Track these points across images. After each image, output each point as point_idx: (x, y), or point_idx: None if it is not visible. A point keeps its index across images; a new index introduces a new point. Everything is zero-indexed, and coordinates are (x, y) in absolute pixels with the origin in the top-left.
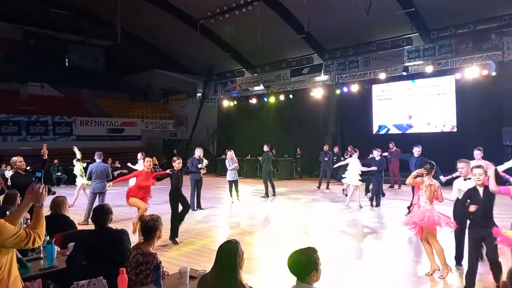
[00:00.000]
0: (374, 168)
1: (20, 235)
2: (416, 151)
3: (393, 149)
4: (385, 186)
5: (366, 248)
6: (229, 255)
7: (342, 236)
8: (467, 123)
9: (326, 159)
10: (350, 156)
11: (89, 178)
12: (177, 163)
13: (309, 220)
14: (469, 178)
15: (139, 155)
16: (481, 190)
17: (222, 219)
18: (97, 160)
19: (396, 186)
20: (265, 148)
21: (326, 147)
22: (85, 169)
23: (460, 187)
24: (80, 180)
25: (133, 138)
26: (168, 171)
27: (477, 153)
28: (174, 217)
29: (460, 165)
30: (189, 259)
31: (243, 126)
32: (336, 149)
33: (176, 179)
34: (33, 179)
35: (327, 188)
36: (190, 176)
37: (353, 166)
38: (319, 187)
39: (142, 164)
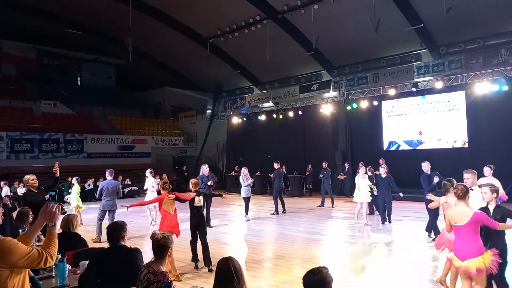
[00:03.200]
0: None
1: (33, 255)
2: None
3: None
4: None
5: (378, 266)
6: (227, 271)
7: (353, 254)
8: (478, 139)
9: (321, 176)
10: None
11: (100, 195)
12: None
13: (319, 237)
14: (472, 189)
15: (148, 172)
16: (491, 208)
17: (233, 236)
18: (108, 178)
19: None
20: (276, 165)
21: (324, 164)
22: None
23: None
24: (75, 202)
25: (144, 155)
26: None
27: (487, 170)
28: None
29: (466, 175)
30: (199, 277)
31: (253, 143)
32: (346, 165)
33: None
34: (47, 197)
35: (332, 205)
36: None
37: (361, 183)
38: (322, 205)
39: (153, 181)
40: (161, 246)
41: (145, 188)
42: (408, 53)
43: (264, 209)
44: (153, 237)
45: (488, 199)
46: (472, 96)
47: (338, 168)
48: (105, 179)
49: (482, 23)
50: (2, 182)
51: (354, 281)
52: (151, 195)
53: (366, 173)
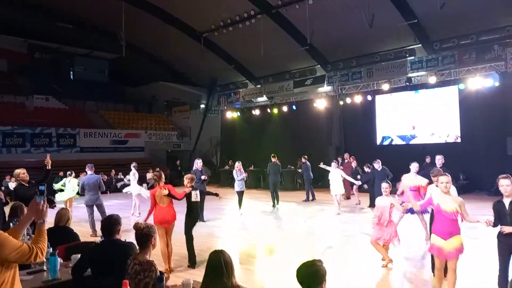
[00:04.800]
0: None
1: (23, 249)
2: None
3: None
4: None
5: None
6: (218, 264)
7: (347, 247)
8: (471, 134)
9: (299, 170)
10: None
11: (82, 191)
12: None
13: (313, 230)
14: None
15: (132, 166)
16: (507, 202)
17: (226, 231)
18: (89, 173)
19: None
20: (303, 160)
21: (303, 159)
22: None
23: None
24: (71, 194)
25: (137, 149)
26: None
27: (439, 159)
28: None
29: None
30: (192, 270)
31: (247, 137)
32: (340, 160)
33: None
34: (36, 191)
35: (312, 199)
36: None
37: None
38: (307, 199)
39: (135, 175)
40: (144, 235)
41: (127, 179)
42: (402, 48)
43: (257, 203)
44: (136, 226)
45: (510, 192)
46: (465, 91)
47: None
48: (87, 174)
49: (475, 19)
50: None
51: (348, 274)
52: (134, 186)
53: (338, 167)
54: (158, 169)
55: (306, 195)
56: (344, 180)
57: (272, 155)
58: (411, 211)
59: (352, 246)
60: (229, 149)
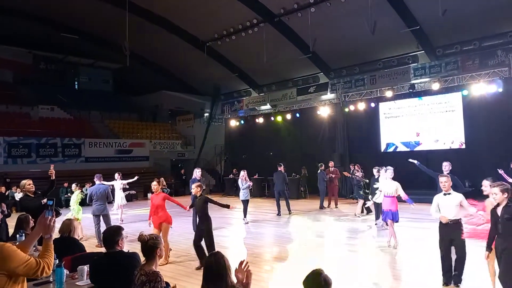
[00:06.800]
0: None
1: (30, 263)
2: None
3: (332, 168)
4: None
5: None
6: (216, 267)
7: (352, 256)
8: (476, 140)
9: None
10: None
11: (90, 201)
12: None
13: (318, 240)
14: (449, 194)
15: (116, 175)
16: (499, 207)
17: (232, 239)
18: (97, 182)
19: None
20: (279, 168)
21: (281, 168)
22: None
23: (439, 201)
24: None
25: (141, 159)
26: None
27: (445, 165)
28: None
29: (442, 179)
30: (199, 279)
31: (251, 146)
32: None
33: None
34: (43, 202)
35: (325, 207)
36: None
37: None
38: (322, 207)
39: (119, 182)
40: (149, 247)
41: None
42: (404, 55)
43: (262, 212)
44: (140, 238)
45: (499, 200)
46: (469, 97)
47: (341, 170)
48: (93, 184)
49: (478, 25)
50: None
51: (353, 283)
52: (119, 195)
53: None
54: (162, 179)
55: (320, 203)
56: (334, 187)
57: (279, 164)
58: None
59: (361, 256)
60: (233, 158)
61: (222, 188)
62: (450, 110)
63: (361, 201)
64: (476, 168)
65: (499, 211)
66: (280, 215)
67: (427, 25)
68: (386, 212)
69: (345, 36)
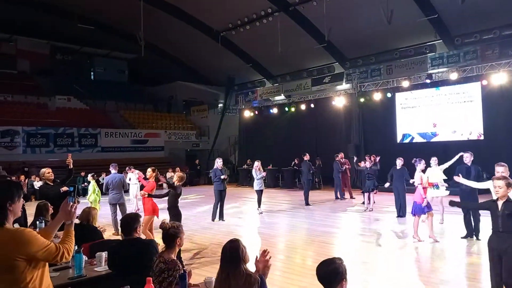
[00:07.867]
0: None
1: (50, 248)
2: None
3: (343, 160)
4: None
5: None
6: (232, 252)
7: (366, 247)
8: (494, 131)
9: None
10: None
11: (106, 190)
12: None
13: (331, 230)
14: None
15: (127, 169)
16: (500, 202)
17: (246, 229)
18: (112, 172)
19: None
20: (304, 157)
21: (306, 157)
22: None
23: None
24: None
25: (157, 149)
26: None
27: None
28: None
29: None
30: (214, 269)
31: (265, 136)
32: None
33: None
34: (62, 190)
35: (341, 198)
36: (214, 187)
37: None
38: (337, 198)
39: (135, 173)
40: (170, 235)
41: (128, 181)
42: (422, 44)
43: (276, 202)
44: (162, 226)
45: (501, 194)
46: (488, 87)
47: (351, 160)
48: (109, 173)
49: (498, 13)
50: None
51: (367, 273)
52: (133, 188)
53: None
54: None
55: (335, 194)
56: (347, 178)
57: (303, 153)
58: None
59: (377, 248)
60: (247, 148)
61: (236, 178)
62: (469, 101)
63: (367, 194)
64: (494, 160)
65: (499, 204)
66: (309, 204)
67: (446, 14)
68: (418, 205)
69: (361, 25)
